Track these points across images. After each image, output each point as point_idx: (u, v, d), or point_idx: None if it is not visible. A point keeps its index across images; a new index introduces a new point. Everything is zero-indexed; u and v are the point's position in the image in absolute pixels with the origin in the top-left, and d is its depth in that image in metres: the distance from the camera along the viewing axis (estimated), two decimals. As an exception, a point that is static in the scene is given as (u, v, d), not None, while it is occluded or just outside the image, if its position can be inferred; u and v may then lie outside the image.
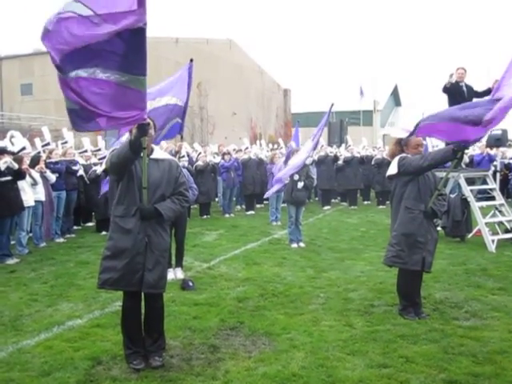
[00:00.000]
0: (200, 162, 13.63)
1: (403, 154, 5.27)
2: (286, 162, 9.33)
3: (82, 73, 3.59)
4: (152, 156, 4.09)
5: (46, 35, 3.54)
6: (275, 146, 19.43)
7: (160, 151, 4.28)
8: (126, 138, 4.75)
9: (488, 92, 9.18)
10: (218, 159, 15.22)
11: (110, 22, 3.53)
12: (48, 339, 4.71)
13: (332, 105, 8.73)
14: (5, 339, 4.71)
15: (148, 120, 3.86)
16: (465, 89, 9.58)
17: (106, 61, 3.62)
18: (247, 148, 16.38)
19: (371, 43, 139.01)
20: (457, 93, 9.46)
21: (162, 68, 27.92)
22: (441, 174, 6.48)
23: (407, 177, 5.20)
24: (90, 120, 3.75)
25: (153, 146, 4.18)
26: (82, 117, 3.75)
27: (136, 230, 3.95)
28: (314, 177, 14.03)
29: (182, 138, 7.01)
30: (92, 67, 3.61)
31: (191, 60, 6.44)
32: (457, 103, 9.36)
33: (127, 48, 3.58)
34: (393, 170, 5.25)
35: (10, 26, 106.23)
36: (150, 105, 6.22)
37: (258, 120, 40.26)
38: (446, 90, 9.58)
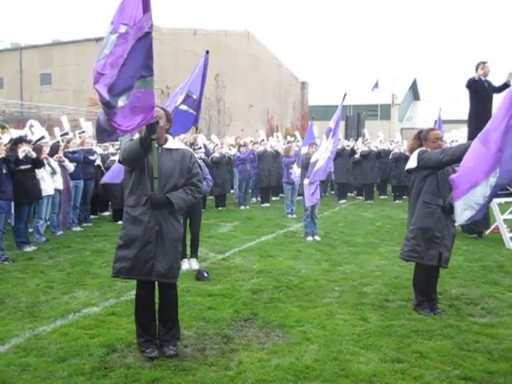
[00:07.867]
0: (216, 154, 13.64)
1: (423, 148, 5.19)
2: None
3: (121, 102, 3.56)
4: (165, 146, 4.08)
5: (99, 78, 3.46)
6: (292, 139, 19.36)
7: (174, 141, 4.24)
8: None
9: (505, 87, 9.02)
10: (233, 151, 15.23)
11: (133, 35, 3.54)
12: (64, 326, 4.77)
13: (345, 95, 8.55)
14: (22, 325, 4.78)
15: (158, 115, 3.86)
16: (486, 84, 9.39)
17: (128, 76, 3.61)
18: (263, 140, 16.35)
19: (391, 37, 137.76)
20: (482, 88, 9.27)
21: (180, 59, 28.04)
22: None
23: (426, 171, 5.11)
24: (112, 133, 3.84)
25: (167, 135, 4.16)
26: (108, 133, 3.84)
27: (146, 219, 3.96)
28: (331, 170, 13.97)
29: (197, 129, 7.02)
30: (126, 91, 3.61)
31: (207, 52, 6.43)
32: (481, 99, 9.27)
33: (137, 55, 3.58)
34: (412, 163, 5.18)
35: (29, 17, 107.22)
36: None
37: (274, 112, 40.15)
38: (471, 84, 9.33)
